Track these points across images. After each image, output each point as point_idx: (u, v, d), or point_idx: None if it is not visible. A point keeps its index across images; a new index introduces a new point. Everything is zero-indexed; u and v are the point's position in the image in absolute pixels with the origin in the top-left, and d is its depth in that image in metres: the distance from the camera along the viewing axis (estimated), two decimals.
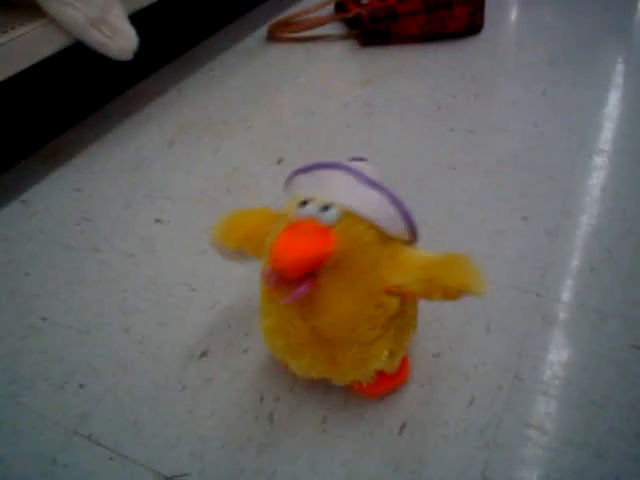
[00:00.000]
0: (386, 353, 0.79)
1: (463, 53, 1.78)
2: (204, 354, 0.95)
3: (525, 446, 0.82)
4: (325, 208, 0.72)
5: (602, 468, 0.79)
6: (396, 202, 0.75)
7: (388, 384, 0.87)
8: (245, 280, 1.07)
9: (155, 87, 1.69)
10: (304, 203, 0.73)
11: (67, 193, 1.31)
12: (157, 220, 1.22)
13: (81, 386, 0.92)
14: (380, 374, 0.82)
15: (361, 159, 0.84)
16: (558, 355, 0.93)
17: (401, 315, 0.79)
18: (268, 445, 0.83)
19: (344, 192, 0.74)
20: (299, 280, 0.71)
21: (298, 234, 0.71)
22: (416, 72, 1.69)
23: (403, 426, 0.84)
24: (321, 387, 0.88)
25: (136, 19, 1.35)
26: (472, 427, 0.84)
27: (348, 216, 0.73)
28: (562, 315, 0.98)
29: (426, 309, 0.91)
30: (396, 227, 0.76)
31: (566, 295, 1.02)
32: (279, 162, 1.35)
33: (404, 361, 0.88)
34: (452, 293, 0.74)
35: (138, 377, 0.93)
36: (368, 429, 0.84)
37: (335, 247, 0.71)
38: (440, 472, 0.79)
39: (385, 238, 0.75)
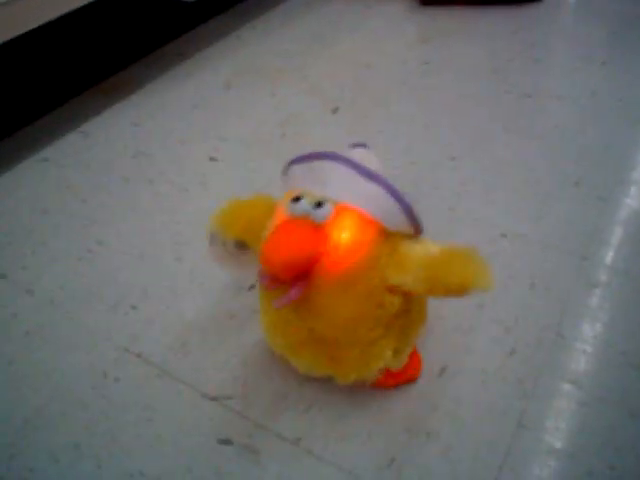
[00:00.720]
0: (389, 352, 0.76)
1: (524, 18, 1.75)
2: (252, 287, 0.98)
3: (561, 399, 0.83)
4: (318, 205, 0.68)
5: (635, 428, 0.80)
6: (396, 195, 0.69)
7: (395, 380, 0.83)
8: None
9: (214, 32, 1.70)
10: (297, 199, 0.69)
11: (125, 127, 1.34)
12: (211, 158, 1.24)
13: (133, 307, 0.96)
14: (387, 370, 0.79)
15: (362, 145, 0.80)
16: (600, 317, 0.93)
17: (405, 313, 0.75)
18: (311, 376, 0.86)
19: (339, 186, 0.69)
20: (293, 280, 0.68)
21: (289, 233, 0.67)
22: (476, 34, 1.67)
23: (443, 370, 0.86)
24: None
25: None
26: (511, 377, 0.85)
27: (344, 212, 0.68)
28: (606, 279, 0.99)
29: None
30: (397, 222, 0.70)
31: (612, 261, 1.02)
32: (334, 111, 1.36)
33: (414, 356, 0.84)
34: (455, 290, 0.68)
35: (187, 304, 0.96)
36: None
37: (329, 246, 0.67)
38: (476, 415, 0.81)
39: (384, 233, 0.70)
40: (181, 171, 1.22)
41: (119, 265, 1.03)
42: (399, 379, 0.83)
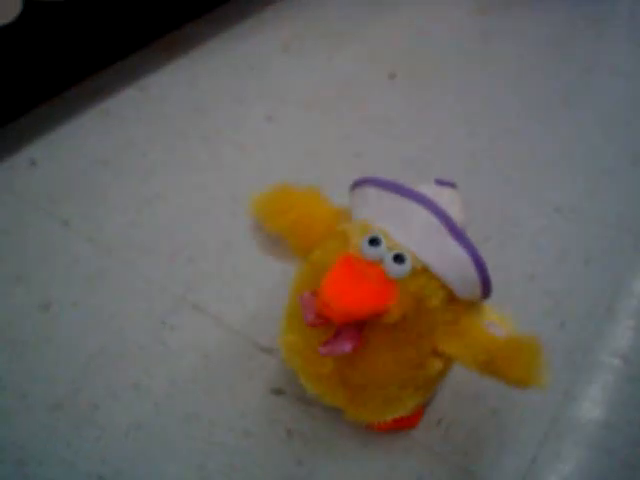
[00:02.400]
0: (410, 407, 0.72)
1: None
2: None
3: (608, 373, 0.84)
4: (399, 258, 0.60)
5: None
6: (479, 263, 0.62)
7: (392, 426, 0.77)
8: None
9: None
10: (375, 241, 0.61)
11: (183, 84, 1.36)
12: (268, 118, 1.26)
13: (190, 259, 0.99)
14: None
15: (450, 184, 0.73)
16: None
17: (440, 375, 0.70)
18: None
19: (424, 240, 0.62)
20: (342, 326, 0.62)
21: (358, 278, 0.59)
22: (536, 6, 1.65)
23: None
24: None
25: None
26: (560, 348, 0.86)
27: (422, 271, 0.61)
28: None
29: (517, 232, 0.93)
30: (471, 290, 0.65)
31: None
32: (391, 77, 1.36)
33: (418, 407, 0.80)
34: (511, 383, 0.65)
35: (244, 258, 0.98)
36: None
37: (397, 306, 0.60)
38: None
39: (451, 299, 0.65)
40: (237, 130, 1.23)
41: (176, 218, 1.06)
42: (396, 425, 0.77)
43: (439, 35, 1.53)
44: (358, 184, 0.68)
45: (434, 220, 0.61)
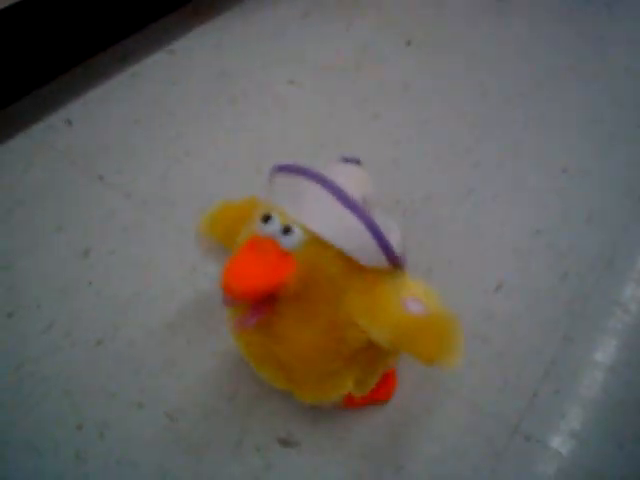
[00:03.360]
0: (350, 383, 0.73)
1: None
2: None
3: (608, 319, 0.91)
4: (287, 230, 0.63)
5: None
6: (374, 230, 0.63)
7: (362, 403, 0.81)
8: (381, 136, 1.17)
9: None
10: (267, 218, 0.64)
11: (209, 48, 1.41)
12: (290, 82, 1.32)
13: None
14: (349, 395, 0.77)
15: (355, 161, 0.75)
16: None
17: (373, 347, 0.69)
18: None
19: (314, 212, 0.64)
20: (255, 302, 0.65)
21: (254, 256, 0.62)
22: None
23: (499, 286, 0.95)
24: None
25: None
26: (562, 297, 0.93)
27: (314, 241, 0.63)
28: None
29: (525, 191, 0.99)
30: (372, 258, 0.65)
31: None
32: (408, 44, 1.41)
33: (388, 380, 0.83)
34: (418, 359, 0.66)
35: None
36: (466, 285, 0.95)
37: (294, 276, 0.62)
38: (525, 326, 0.90)
39: (356, 268, 0.65)
40: (262, 92, 1.29)
41: (204, 174, 1.13)
42: (366, 402, 0.81)
43: (455, 4, 1.57)
44: (271, 172, 0.70)
45: (323, 192, 0.63)
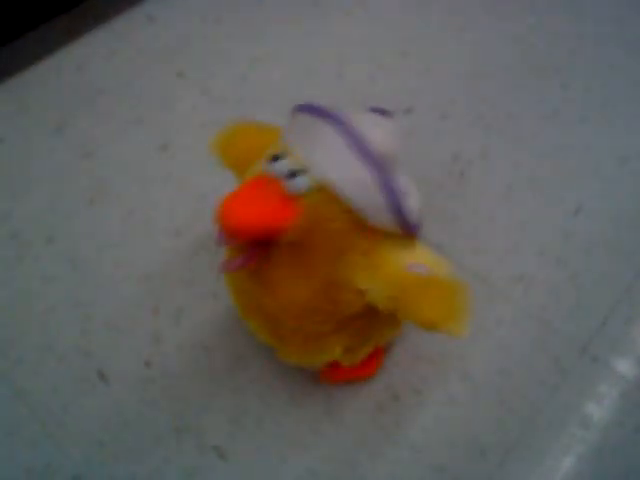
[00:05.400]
0: (338, 349, 0.69)
1: None
2: (409, 110, 1.05)
3: None
4: (294, 174, 0.57)
5: None
6: (388, 188, 0.57)
7: (343, 377, 0.78)
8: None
9: None
10: (276, 158, 0.58)
11: None
12: None
13: None
14: (335, 363, 0.73)
15: (383, 112, 0.66)
16: None
17: (369, 315, 0.65)
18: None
19: (327, 157, 0.58)
20: (249, 245, 0.61)
21: (256, 194, 0.57)
22: None
23: (579, 209, 0.93)
24: None
25: None
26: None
27: (322, 189, 0.57)
28: None
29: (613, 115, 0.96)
30: (381, 218, 0.59)
31: None
32: None
33: (375, 356, 0.78)
34: (419, 324, 0.60)
35: None
36: (546, 204, 0.94)
37: (295, 224, 0.57)
38: (603, 251, 0.89)
39: (361, 226, 0.59)
40: None
41: (285, 76, 1.12)
42: (348, 376, 0.78)
43: None
44: (293, 110, 0.64)
45: (340, 137, 0.57)
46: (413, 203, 0.61)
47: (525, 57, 1.14)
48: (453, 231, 0.91)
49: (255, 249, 0.61)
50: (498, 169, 0.98)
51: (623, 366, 0.80)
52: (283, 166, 0.57)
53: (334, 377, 0.78)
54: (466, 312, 0.60)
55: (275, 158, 0.58)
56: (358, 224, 0.59)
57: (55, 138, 1.05)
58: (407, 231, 0.61)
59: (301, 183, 0.56)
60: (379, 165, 0.57)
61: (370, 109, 0.65)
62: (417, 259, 0.62)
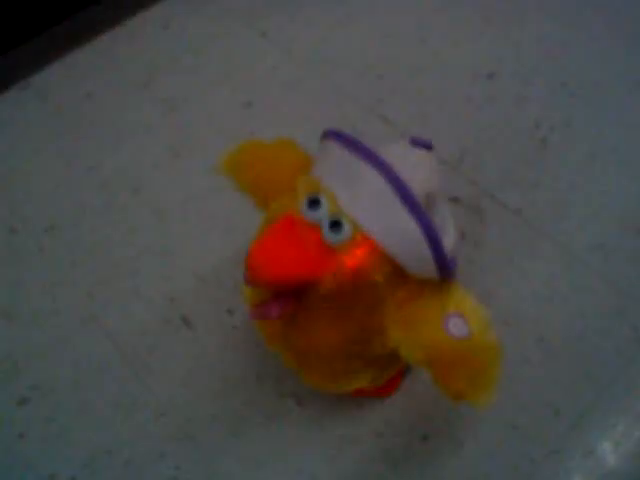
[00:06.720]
0: (365, 382, 0.67)
1: None
2: (491, 76, 1.05)
3: None
4: (337, 224, 0.53)
5: None
6: (432, 239, 0.54)
7: (365, 394, 0.74)
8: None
9: None
10: (315, 202, 0.54)
11: None
12: None
13: (379, 77, 1.06)
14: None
15: (424, 145, 0.61)
16: None
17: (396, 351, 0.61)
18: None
19: (371, 208, 0.54)
20: (279, 292, 0.58)
21: (291, 242, 0.54)
22: None
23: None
24: None
25: None
26: None
27: (363, 240, 0.54)
28: None
29: None
30: (424, 268, 0.57)
31: None
32: None
33: (395, 379, 0.75)
34: (446, 394, 0.58)
35: (429, 79, 1.05)
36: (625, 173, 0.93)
37: (332, 276, 0.54)
38: None
39: (400, 275, 0.57)
40: None
41: (367, 38, 1.12)
42: (367, 394, 0.74)
43: None
44: (325, 136, 0.61)
45: (386, 186, 0.54)
46: (450, 242, 0.59)
47: (612, 24, 1.11)
48: (533, 198, 0.90)
49: (287, 298, 0.57)
50: (581, 137, 0.96)
51: None
52: (324, 215, 0.54)
53: (355, 393, 0.73)
54: (494, 381, 0.57)
55: (313, 201, 0.55)
56: (397, 273, 0.56)
57: (142, 93, 1.09)
58: (446, 277, 0.59)
59: (343, 236, 0.54)
60: (423, 214, 0.54)
61: (410, 141, 0.61)
62: (455, 306, 0.59)
